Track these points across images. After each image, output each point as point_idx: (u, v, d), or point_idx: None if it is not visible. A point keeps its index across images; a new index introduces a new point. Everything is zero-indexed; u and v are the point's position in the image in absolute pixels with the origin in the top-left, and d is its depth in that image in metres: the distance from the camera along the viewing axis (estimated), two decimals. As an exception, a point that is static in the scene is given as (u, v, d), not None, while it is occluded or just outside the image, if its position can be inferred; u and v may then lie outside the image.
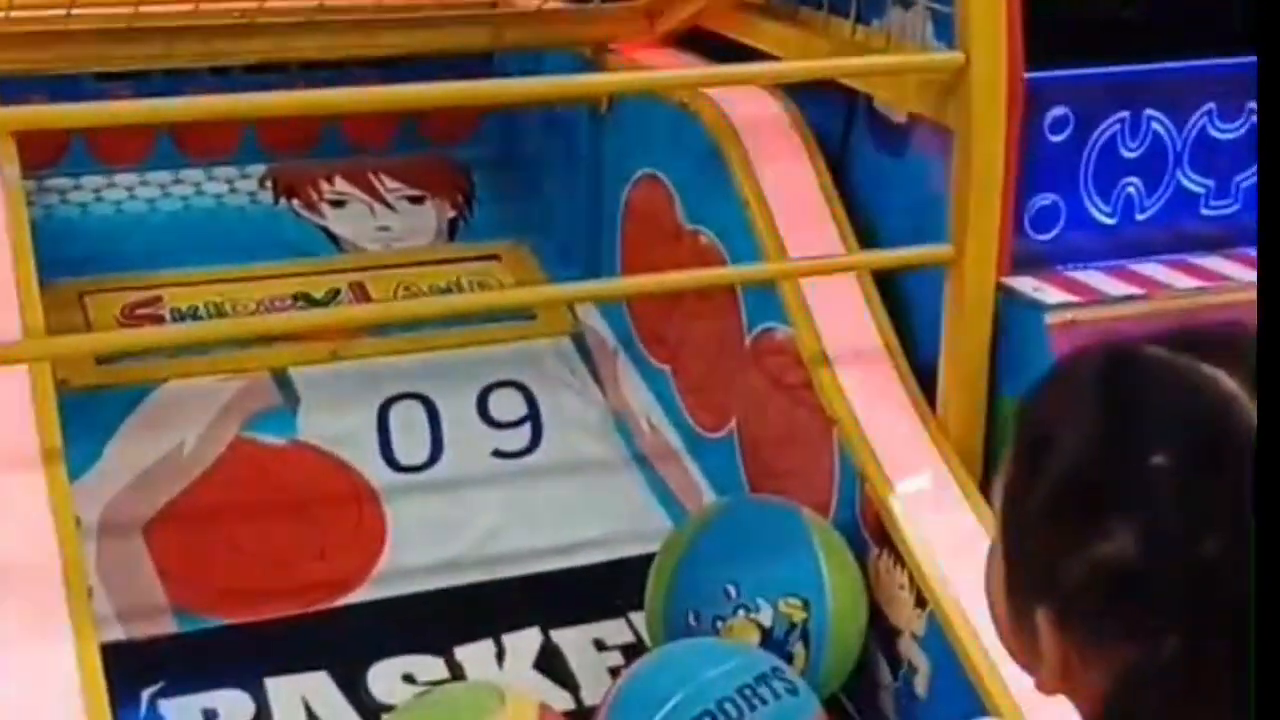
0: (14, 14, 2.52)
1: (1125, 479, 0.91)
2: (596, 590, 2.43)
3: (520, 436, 2.69)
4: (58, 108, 2.54)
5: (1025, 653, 0.98)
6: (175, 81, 3.07)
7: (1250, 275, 2.32)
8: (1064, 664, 0.95)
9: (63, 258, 2.90)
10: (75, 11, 2.49)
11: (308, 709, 2.22)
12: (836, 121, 2.61)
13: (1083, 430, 0.95)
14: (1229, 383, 0.92)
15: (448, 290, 2.98)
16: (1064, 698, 0.97)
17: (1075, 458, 0.94)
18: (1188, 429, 0.92)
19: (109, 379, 2.59)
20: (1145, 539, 0.90)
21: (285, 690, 2.23)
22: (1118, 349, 0.98)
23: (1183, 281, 2.33)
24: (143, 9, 2.54)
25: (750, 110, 2.59)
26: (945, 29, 2.28)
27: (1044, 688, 0.97)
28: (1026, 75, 2.23)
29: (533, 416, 2.73)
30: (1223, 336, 0.97)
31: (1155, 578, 0.90)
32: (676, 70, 2.66)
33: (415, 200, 3.22)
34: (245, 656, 2.25)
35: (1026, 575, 0.97)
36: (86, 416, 2.52)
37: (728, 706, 1.96)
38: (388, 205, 3.19)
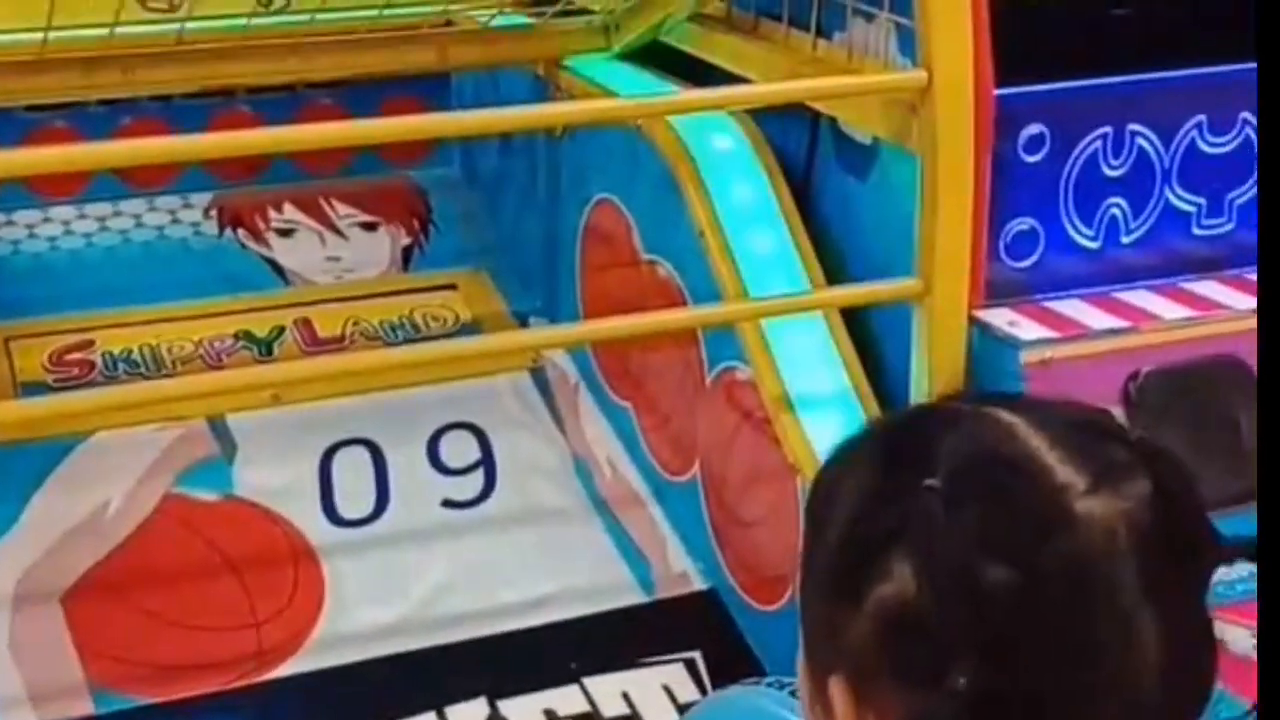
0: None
1: (900, 512, 0.86)
2: (550, 654, 2.27)
3: (472, 484, 2.53)
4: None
5: None
6: (113, 109, 2.93)
7: (1245, 302, 2.14)
8: None
9: (-9, 300, 2.77)
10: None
11: (233, 795, 2.07)
12: (800, 141, 2.44)
13: (859, 479, 0.90)
14: (1006, 414, 0.88)
15: (400, 325, 2.83)
16: None
17: (852, 508, 0.89)
18: (962, 452, 0.87)
19: (33, 432, 2.42)
20: (921, 569, 0.84)
21: (209, 775, 2.08)
22: (917, 408, 0.97)
23: (1173, 311, 2.15)
24: (55, 36, 2.36)
25: (707, 130, 2.42)
26: (909, 44, 2.11)
27: None
28: (997, 92, 2.06)
29: (486, 461, 2.56)
30: (1032, 399, 0.95)
31: (936, 611, 0.84)
32: (628, 98, 2.48)
33: (368, 227, 3.06)
34: (167, 739, 2.10)
35: (818, 644, 0.91)
36: (7, 473, 2.38)
37: None
38: (339, 233, 3.03)
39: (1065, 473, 0.85)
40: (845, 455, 0.94)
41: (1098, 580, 0.84)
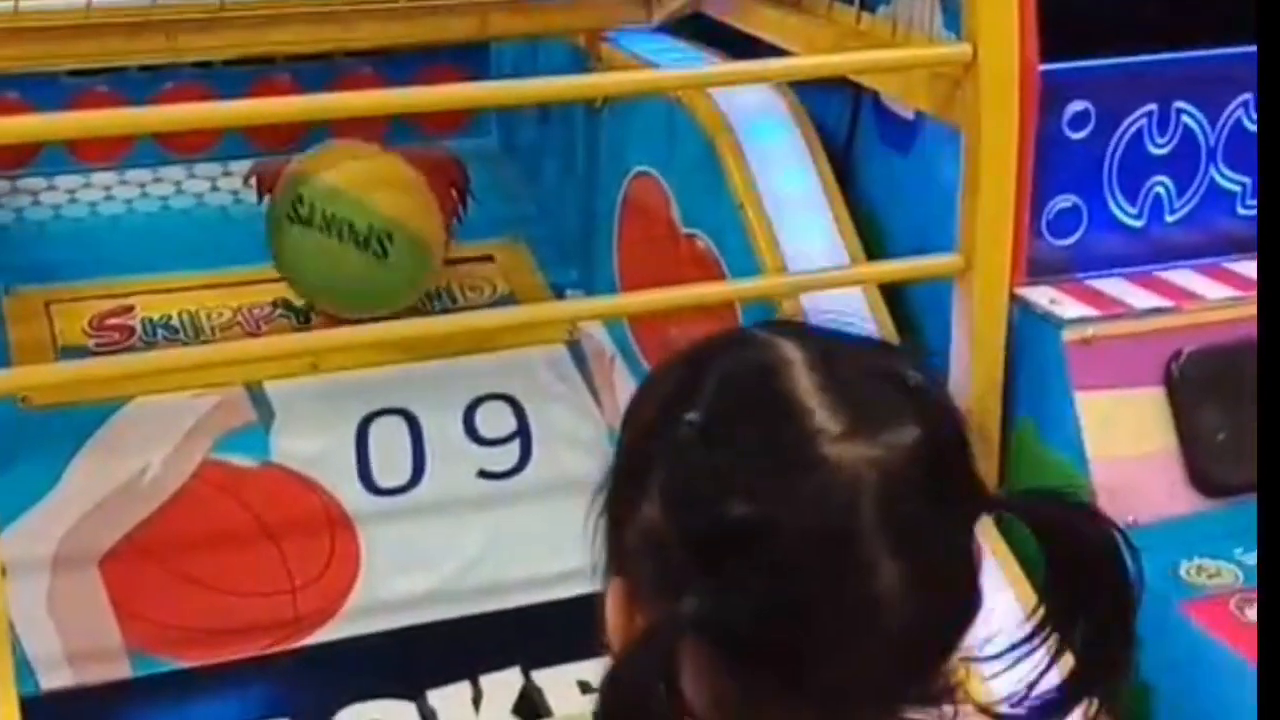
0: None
1: (664, 439, 0.90)
2: (584, 625, 2.25)
3: (508, 455, 2.53)
4: (19, 120, 2.39)
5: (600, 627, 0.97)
6: (154, 75, 2.94)
7: (1290, 283, 2.13)
8: (624, 632, 0.94)
9: (32, 263, 2.80)
10: (23, 5, 2.33)
11: (266, 761, 2.08)
12: (842, 114, 2.44)
13: (652, 399, 0.94)
14: (792, 349, 0.90)
15: (437, 295, 2.83)
16: None
17: (636, 427, 0.94)
18: (726, 387, 0.90)
19: (73, 395, 2.43)
20: (668, 498, 0.89)
21: (243, 741, 2.09)
22: (723, 333, 0.98)
23: (1216, 290, 2.13)
24: (99, 2, 2.37)
25: (748, 103, 2.41)
26: (954, 17, 2.09)
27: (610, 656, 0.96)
28: (1041, 67, 2.04)
29: (522, 432, 2.56)
30: (831, 335, 0.95)
31: (676, 538, 0.88)
32: (668, 70, 2.47)
33: (407, 197, 3.05)
34: (203, 703, 2.11)
35: (604, 547, 0.97)
36: (48, 436, 2.40)
37: None
38: (377, 203, 3.02)
39: (823, 416, 0.87)
40: (654, 373, 0.99)
41: (834, 524, 0.86)
